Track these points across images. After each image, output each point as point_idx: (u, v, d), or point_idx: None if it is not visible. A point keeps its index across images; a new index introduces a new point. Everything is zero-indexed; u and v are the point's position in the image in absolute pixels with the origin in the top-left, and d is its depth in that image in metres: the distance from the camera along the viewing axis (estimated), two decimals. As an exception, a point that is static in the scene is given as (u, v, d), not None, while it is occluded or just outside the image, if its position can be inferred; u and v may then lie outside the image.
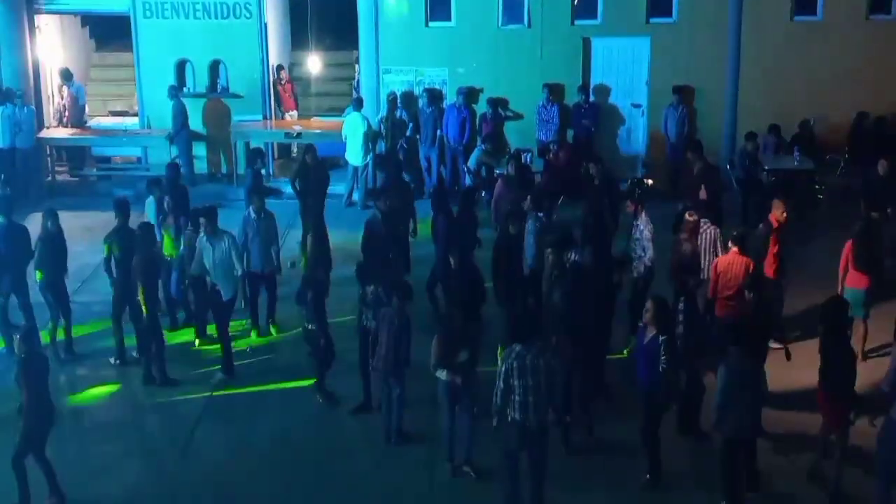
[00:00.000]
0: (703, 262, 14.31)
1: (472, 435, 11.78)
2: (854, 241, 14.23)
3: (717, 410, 10.86)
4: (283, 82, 22.98)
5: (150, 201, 15.80)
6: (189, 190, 16.99)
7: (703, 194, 15.39)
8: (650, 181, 16.35)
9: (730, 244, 13.61)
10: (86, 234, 18.50)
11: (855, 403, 11.21)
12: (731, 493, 11.12)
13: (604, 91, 21.95)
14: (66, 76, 22.75)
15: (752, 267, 13.41)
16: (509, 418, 10.60)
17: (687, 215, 14.60)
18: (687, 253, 14.00)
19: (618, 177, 18.85)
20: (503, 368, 10.59)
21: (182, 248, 15.15)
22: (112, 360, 14.63)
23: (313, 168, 18.19)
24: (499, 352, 12.80)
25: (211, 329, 14.88)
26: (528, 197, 15.47)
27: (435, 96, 21.45)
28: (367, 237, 15.32)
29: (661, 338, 11.15)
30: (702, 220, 14.53)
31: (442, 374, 11.57)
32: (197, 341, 15.13)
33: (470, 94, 21.42)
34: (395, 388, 12.38)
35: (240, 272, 14.34)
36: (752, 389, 10.83)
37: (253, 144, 21.38)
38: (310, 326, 13.33)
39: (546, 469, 10.87)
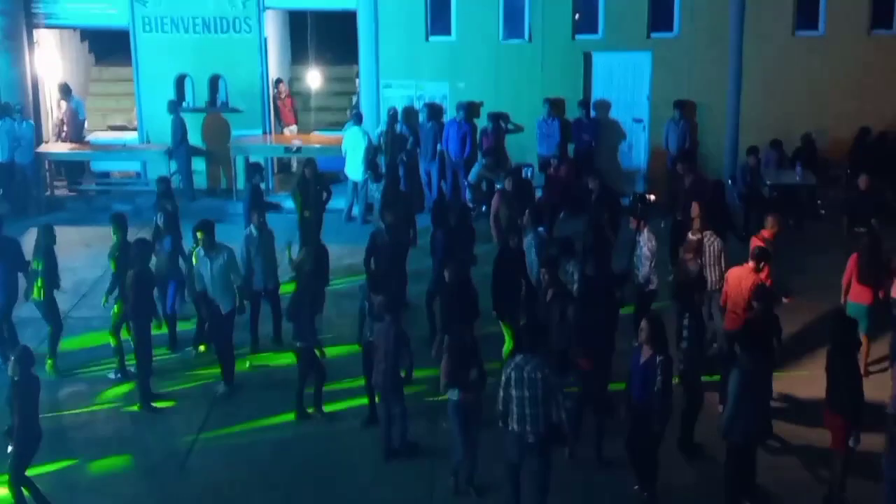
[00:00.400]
0: (709, 275, 14.21)
1: (476, 454, 11.66)
2: (859, 255, 14.16)
3: (729, 419, 10.82)
4: (282, 97, 22.93)
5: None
6: (178, 204, 16.83)
7: (695, 209, 15.27)
8: (652, 196, 16.21)
9: (750, 260, 13.44)
10: (84, 249, 18.42)
11: (857, 426, 11.02)
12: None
13: (605, 106, 21.88)
14: (66, 92, 22.67)
15: (762, 281, 13.32)
16: (510, 428, 10.62)
17: (690, 234, 14.53)
18: (692, 273, 13.89)
19: (618, 191, 18.78)
20: (503, 377, 10.66)
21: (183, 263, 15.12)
22: (111, 375, 14.52)
23: (312, 182, 18.10)
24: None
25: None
26: (527, 212, 15.42)
27: (435, 111, 21.39)
28: (372, 250, 15.22)
29: (658, 358, 11.00)
30: (705, 234, 14.44)
31: (453, 395, 11.41)
32: (202, 347, 15.07)
33: (470, 109, 21.36)
34: (395, 405, 12.26)
35: (237, 283, 14.20)
36: (761, 394, 10.91)
37: (252, 159, 21.32)
38: (298, 344, 13.22)
39: (548, 481, 10.76)
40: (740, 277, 13.31)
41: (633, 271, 14.54)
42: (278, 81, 23.01)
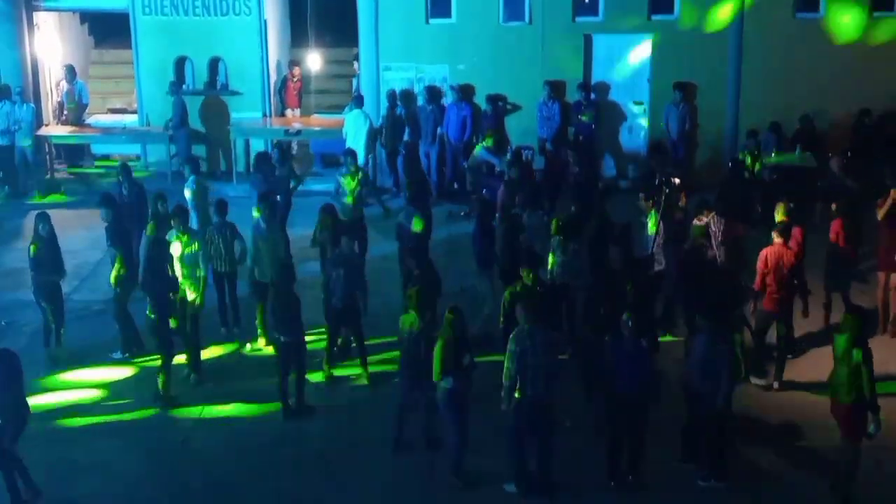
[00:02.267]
0: (719, 255, 14.33)
1: (467, 443, 11.63)
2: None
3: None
4: (294, 79, 22.85)
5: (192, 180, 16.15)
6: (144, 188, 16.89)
7: (681, 198, 15.42)
8: (677, 180, 16.10)
9: (774, 236, 13.50)
10: (84, 231, 18.41)
11: (875, 412, 10.92)
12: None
13: (605, 88, 21.86)
14: (70, 74, 22.55)
15: (799, 257, 13.46)
16: (524, 395, 10.91)
17: (696, 220, 14.57)
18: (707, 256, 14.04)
19: (597, 172, 18.96)
20: (517, 350, 10.86)
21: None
22: (116, 355, 14.55)
23: (277, 167, 17.88)
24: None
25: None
26: (519, 194, 15.66)
27: (434, 94, 21.33)
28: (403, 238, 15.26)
29: (643, 342, 11.38)
30: (710, 217, 14.50)
31: (447, 383, 11.35)
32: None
33: (465, 91, 21.30)
34: (426, 392, 12.01)
35: (202, 274, 14.16)
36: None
37: (253, 142, 21.23)
38: (282, 339, 13.07)
39: (553, 444, 11.10)
40: (779, 255, 13.32)
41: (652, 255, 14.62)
42: (292, 63, 22.98)
